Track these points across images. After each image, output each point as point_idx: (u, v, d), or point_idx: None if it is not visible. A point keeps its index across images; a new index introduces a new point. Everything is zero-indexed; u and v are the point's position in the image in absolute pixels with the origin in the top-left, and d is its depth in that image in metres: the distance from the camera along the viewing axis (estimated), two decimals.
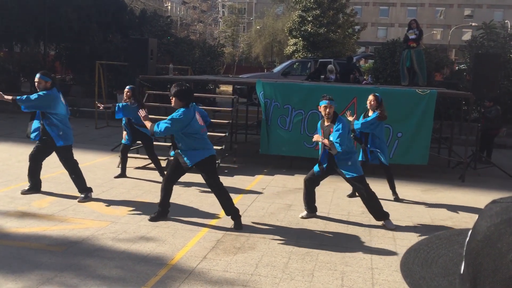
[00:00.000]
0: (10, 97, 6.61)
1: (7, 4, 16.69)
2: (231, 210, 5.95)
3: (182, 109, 5.60)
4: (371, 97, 7.24)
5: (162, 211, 6.06)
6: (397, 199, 7.61)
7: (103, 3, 18.18)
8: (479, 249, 0.63)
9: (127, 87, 8.32)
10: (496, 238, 0.61)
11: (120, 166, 8.46)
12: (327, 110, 6.00)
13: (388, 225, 6.15)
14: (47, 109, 6.53)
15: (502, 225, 0.61)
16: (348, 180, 6.17)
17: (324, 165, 6.20)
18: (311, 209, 6.49)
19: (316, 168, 6.31)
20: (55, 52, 20.01)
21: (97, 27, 18.39)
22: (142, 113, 5.86)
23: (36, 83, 6.59)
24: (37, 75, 6.62)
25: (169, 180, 6.00)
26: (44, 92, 6.48)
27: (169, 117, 5.59)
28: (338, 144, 5.77)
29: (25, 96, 6.57)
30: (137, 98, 8.33)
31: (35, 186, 6.97)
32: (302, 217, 6.45)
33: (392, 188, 7.64)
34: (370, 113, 7.27)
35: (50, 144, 6.65)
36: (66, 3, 17.39)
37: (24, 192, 6.87)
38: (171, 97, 5.70)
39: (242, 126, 12.66)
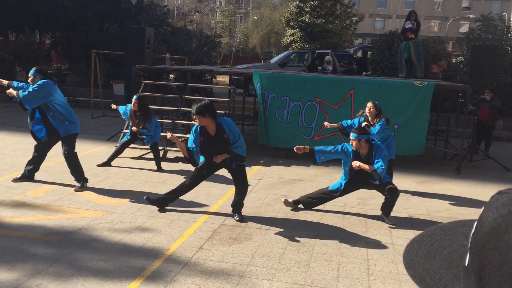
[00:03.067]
0: (5, 82, 6.60)
1: None
2: (239, 206, 5.96)
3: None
4: (370, 104, 6.97)
5: (164, 200, 6.00)
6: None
7: None
8: (485, 242, 0.61)
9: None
10: (503, 230, 0.59)
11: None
12: (354, 143, 5.92)
13: (389, 221, 6.14)
14: (49, 97, 6.44)
15: (509, 216, 0.59)
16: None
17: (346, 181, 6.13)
18: (298, 203, 6.45)
19: (337, 186, 6.22)
20: (51, 41, 19.86)
21: (93, 16, 18.24)
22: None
23: (30, 80, 6.49)
24: (31, 72, 6.53)
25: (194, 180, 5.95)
26: (40, 82, 6.39)
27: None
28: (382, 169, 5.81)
29: (22, 85, 6.46)
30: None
31: (29, 175, 6.94)
32: (285, 200, 6.42)
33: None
34: (370, 119, 6.92)
35: (57, 136, 6.66)
36: None
37: (16, 180, 6.87)
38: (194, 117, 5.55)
39: (238, 117, 12.62)
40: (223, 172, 6.27)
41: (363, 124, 6.86)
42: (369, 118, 6.93)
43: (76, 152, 6.80)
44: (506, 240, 0.58)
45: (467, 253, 0.64)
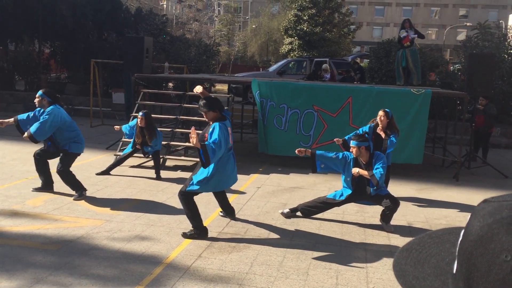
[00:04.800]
0: (11, 120, 6.55)
1: (1, 2, 16.60)
2: (228, 209, 6.10)
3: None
4: (381, 113, 6.98)
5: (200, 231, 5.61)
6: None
7: (98, 1, 18.11)
8: (472, 250, 0.62)
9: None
10: (489, 238, 0.61)
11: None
12: (355, 150, 5.93)
13: (388, 228, 6.14)
14: (57, 126, 6.44)
15: (495, 225, 0.61)
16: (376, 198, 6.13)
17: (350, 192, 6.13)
18: (296, 211, 6.43)
19: (338, 195, 6.24)
20: (50, 50, 19.91)
21: (92, 25, 18.31)
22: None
23: (36, 101, 6.52)
24: (39, 93, 6.54)
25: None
26: (49, 110, 6.38)
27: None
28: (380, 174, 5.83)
29: (34, 125, 6.31)
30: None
31: (46, 184, 7.00)
32: (282, 213, 6.40)
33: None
34: (379, 130, 6.95)
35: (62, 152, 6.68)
36: (61, 1, 17.31)
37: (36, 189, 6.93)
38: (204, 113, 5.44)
39: (237, 125, 12.65)
40: None
41: (378, 129, 6.94)
42: (380, 126, 6.94)
43: (70, 170, 6.75)
44: (492, 248, 0.60)
45: (454, 260, 0.66)
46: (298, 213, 6.44)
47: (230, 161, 5.59)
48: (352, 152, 6.01)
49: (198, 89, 5.71)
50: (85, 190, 6.87)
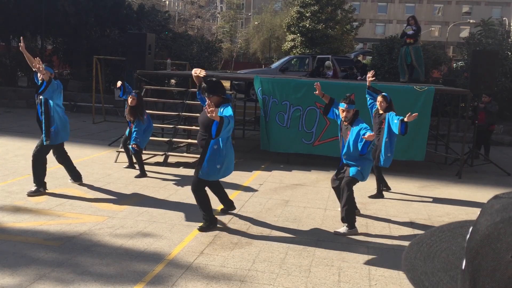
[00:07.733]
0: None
1: None
2: (228, 203, 6.23)
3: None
4: (380, 99, 7.29)
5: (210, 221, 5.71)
6: (387, 188, 7.71)
7: None
8: (478, 248, 0.61)
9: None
10: (496, 238, 0.60)
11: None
12: (344, 114, 5.78)
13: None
14: (52, 98, 6.46)
15: (502, 224, 0.60)
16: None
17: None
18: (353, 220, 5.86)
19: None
20: (53, 46, 19.92)
21: (94, 21, 18.30)
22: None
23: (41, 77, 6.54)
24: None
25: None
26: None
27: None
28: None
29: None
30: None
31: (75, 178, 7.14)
32: (344, 233, 5.75)
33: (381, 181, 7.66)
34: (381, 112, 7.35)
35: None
36: None
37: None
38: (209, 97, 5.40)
39: (239, 122, 12.65)
40: (224, 178, 6.25)
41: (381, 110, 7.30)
42: (380, 111, 7.32)
43: (44, 159, 6.67)
44: (498, 248, 0.59)
45: (464, 255, 0.65)
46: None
47: (232, 146, 5.73)
48: (341, 115, 5.83)
49: (197, 71, 5.70)
50: (45, 188, 6.69)
